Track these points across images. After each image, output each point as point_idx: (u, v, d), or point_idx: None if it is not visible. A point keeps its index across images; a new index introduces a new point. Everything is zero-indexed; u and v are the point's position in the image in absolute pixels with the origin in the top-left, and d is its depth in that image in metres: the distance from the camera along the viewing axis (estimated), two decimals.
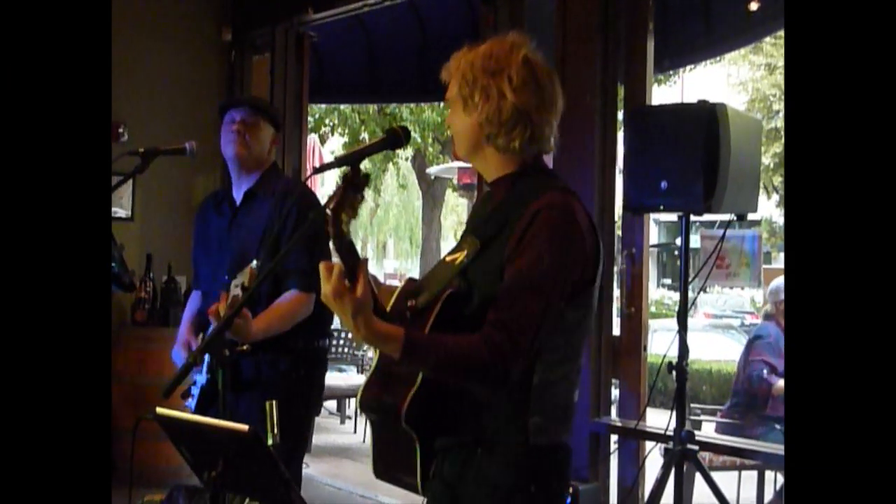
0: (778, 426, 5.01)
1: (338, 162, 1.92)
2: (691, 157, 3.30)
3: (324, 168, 2.02)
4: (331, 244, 1.81)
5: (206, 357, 3.05)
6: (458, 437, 1.98)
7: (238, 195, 3.24)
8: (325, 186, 15.10)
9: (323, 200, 1.97)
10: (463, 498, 1.97)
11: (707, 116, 3.29)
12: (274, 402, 2.00)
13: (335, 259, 1.80)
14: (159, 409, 1.70)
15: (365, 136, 11.87)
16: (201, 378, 3.01)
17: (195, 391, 3.05)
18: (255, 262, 2.35)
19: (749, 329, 11.78)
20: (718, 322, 13.58)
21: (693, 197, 3.30)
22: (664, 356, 3.50)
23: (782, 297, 5.35)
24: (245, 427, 1.57)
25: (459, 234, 2.29)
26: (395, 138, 2.00)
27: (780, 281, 5.29)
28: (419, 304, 1.96)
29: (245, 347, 1.90)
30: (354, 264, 1.80)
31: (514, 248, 1.90)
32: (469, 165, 2.24)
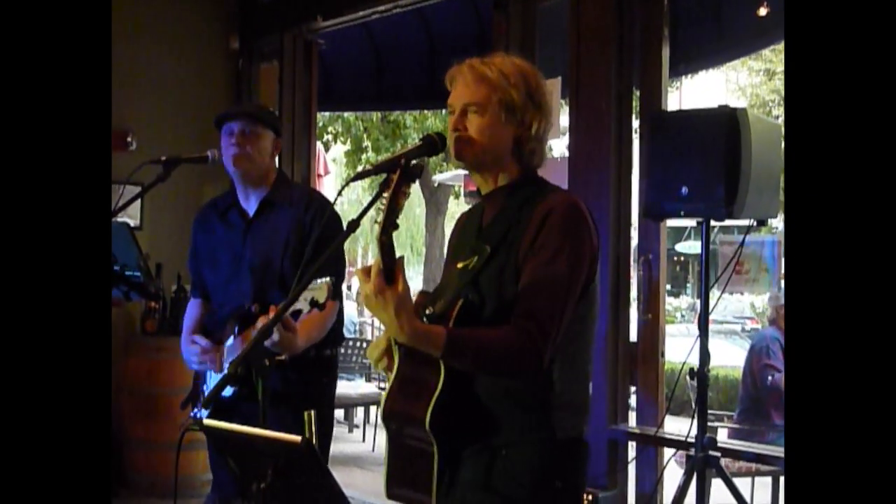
0: None
1: (376, 169, 1.94)
2: (712, 162, 3.28)
3: (362, 175, 2.02)
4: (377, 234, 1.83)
5: (224, 368, 3.02)
6: (480, 441, 2.00)
7: (250, 205, 3.18)
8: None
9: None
10: (490, 501, 1.98)
11: (728, 121, 3.26)
12: (313, 413, 1.99)
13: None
14: (206, 420, 1.69)
15: (368, 143, 11.85)
16: (227, 390, 2.97)
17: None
18: (328, 277, 2.29)
19: (751, 334, 11.76)
20: (721, 328, 13.56)
21: (714, 202, 3.28)
22: (684, 363, 3.47)
23: (783, 301, 5.37)
24: (297, 438, 1.55)
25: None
26: (433, 144, 2.02)
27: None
28: (437, 310, 2.00)
29: (284, 358, 1.88)
30: (392, 262, 1.84)
31: (529, 247, 1.97)
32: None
